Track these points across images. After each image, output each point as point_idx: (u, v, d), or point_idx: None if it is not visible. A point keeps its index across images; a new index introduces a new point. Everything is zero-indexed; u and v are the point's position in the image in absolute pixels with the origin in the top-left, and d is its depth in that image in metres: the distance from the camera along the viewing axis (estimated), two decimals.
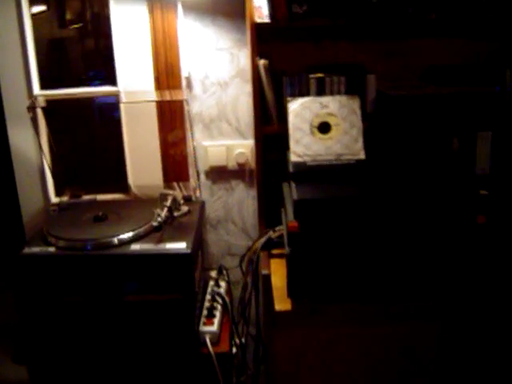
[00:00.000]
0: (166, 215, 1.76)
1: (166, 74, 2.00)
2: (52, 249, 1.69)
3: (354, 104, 1.75)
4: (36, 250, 1.69)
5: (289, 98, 1.77)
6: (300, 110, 1.75)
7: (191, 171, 2.11)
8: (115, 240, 1.69)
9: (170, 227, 1.78)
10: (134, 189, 2.14)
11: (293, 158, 1.69)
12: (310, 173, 1.66)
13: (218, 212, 2.18)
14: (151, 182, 2.12)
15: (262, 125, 1.86)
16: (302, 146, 1.71)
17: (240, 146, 2.09)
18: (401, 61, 1.97)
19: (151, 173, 2.11)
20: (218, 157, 2.10)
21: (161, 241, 1.70)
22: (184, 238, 1.71)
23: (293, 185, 1.61)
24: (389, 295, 1.59)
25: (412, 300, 1.59)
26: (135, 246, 1.68)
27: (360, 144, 1.71)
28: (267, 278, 1.75)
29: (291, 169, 1.66)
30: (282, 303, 1.61)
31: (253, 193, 2.13)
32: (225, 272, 2.06)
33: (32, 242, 1.73)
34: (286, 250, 1.54)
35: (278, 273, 1.77)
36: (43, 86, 2.07)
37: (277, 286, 1.70)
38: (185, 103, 1.97)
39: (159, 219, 1.72)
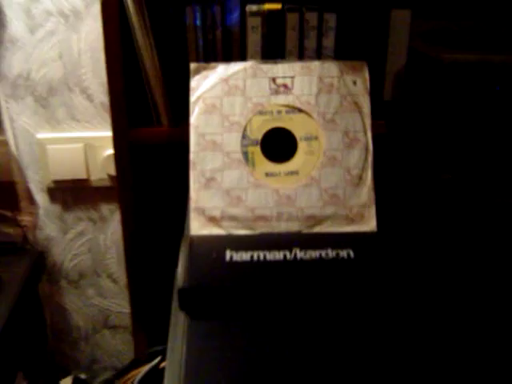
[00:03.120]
0: None
1: None
2: None
3: (358, 83, 0.70)
4: None
5: (193, 65, 0.70)
6: (219, 97, 0.69)
7: (19, 190, 1.06)
8: None
9: None
10: None
11: (193, 231, 0.65)
12: (233, 280, 0.62)
13: (78, 259, 1.15)
14: None
15: (130, 125, 0.79)
16: (221, 193, 0.66)
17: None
18: None
19: None
20: (70, 162, 1.04)
21: None
22: None
23: (185, 322, 0.58)
24: None
25: None
26: None
27: (367, 189, 0.67)
28: None
29: (179, 284, 0.61)
30: None
31: None
32: None
33: None
34: None
35: None
36: None
37: None
38: None
39: None
